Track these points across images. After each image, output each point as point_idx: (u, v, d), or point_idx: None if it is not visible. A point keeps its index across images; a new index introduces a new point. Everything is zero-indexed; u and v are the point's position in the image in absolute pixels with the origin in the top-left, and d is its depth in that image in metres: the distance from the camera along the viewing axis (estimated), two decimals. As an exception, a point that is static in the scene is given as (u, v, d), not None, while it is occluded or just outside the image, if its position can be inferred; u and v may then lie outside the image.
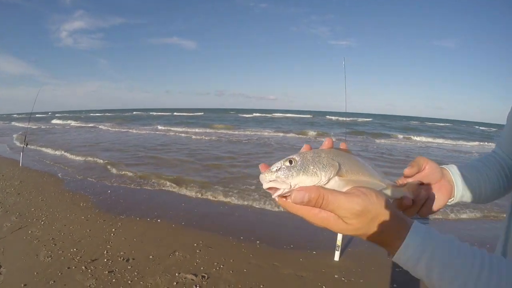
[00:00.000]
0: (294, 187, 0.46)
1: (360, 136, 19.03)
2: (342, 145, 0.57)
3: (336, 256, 3.37)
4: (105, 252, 3.43)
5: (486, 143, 18.18)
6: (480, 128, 39.75)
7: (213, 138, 15.53)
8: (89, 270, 3.05)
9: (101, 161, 8.68)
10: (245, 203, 5.23)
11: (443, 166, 0.74)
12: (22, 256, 3.31)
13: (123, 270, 3.07)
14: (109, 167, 7.92)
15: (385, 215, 0.45)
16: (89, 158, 9.08)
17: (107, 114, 58.84)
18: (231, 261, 3.32)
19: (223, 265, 3.22)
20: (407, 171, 0.68)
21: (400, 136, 19.61)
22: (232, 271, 3.12)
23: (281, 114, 51.45)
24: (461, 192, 0.74)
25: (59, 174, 7.17)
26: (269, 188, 0.47)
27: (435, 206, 0.66)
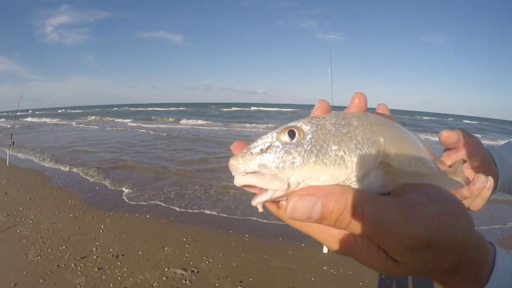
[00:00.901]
0: (295, 186, 0.25)
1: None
2: (381, 108, 0.37)
3: (325, 248, 3.42)
4: (94, 249, 3.44)
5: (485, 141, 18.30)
6: (469, 122, 40.46)
7: (184, 134, 14.71)
8: (79, 268, 3.05)
9: (66, 168, 7.46)
10: (222, 214, 4.58)
11: None
12: (11, 256, 3.29)
13: (113, 267, 3.09)
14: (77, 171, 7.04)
15: (464, 246, 0.26)
16: (51, 165, 7.90)
17: (88, 110, 57.17)
18: (221, 255, 3.36)
19: (212, 259, 3.26)
20: (445, 135, 0.52)
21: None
22: (222, 265, 3.16)
23: (269, 108, 51.15)
24: (503, 179, 0.58)
25: (46, 172, 7.08)
26: (247, 186, 0.27)
27: None
